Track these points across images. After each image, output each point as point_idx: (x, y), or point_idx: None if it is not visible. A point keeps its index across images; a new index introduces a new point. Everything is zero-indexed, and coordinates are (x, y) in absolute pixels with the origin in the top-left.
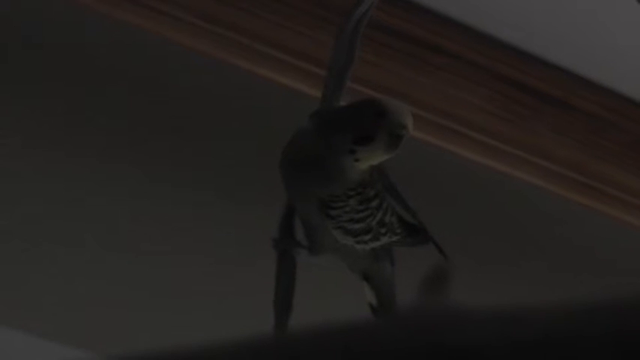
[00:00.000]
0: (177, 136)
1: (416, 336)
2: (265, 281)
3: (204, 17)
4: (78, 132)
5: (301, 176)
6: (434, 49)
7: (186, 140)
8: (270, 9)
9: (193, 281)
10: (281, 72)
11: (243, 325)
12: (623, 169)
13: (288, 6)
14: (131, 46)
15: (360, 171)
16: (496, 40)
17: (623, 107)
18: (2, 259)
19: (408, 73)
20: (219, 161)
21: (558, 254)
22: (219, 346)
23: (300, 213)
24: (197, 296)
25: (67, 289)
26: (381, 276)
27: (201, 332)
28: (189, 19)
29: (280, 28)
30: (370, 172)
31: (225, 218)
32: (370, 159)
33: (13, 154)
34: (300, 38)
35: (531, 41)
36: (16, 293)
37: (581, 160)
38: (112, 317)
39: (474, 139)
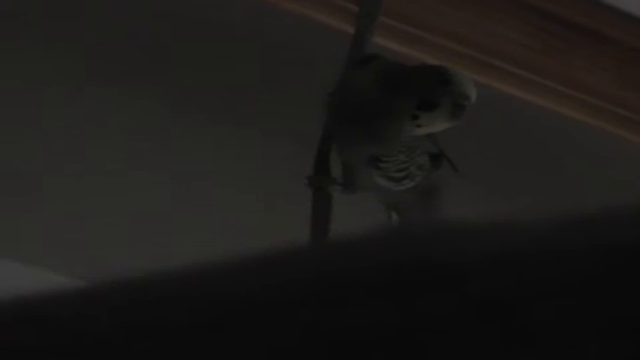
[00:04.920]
0: (202, 70)
1: (401, 250)
2: (290, 218)
3: None
4: (97, 65)
5: (354, 131)
6: None
7: (212, 73)
8: None
9: (217, 215)
10: (311, 6)
11: None
12: None
13: None
14: None
15: (417, 134)
16: None
17: None
18: None
19: (443, 8)
20: (245, 94)
21: (599, 188)
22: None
23: (344, 158)
24: (223, 229)
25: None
26: (407, 203)
27: None
28: None
29: None
30: None
31: (250, 151)
32: (432, 126)
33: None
34: None
35: None
36: None
37: (619, 92)
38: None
39: (510, 72)
